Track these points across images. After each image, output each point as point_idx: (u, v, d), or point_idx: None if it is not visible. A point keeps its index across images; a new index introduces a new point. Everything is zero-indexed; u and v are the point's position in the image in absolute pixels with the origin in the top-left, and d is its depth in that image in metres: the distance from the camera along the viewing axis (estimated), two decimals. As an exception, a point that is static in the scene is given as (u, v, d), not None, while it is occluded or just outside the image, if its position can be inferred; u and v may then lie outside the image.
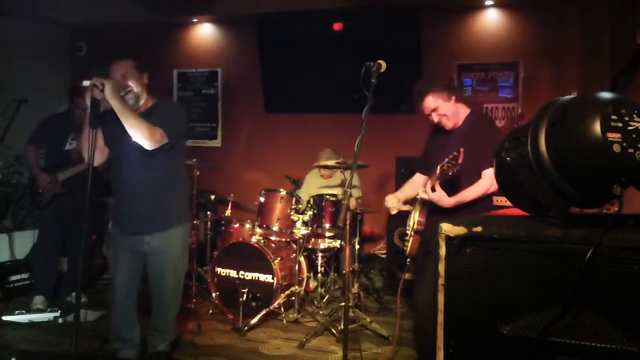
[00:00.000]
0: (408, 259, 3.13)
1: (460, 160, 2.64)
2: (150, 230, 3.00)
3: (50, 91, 6.27)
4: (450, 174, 2.69)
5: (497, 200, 4.34)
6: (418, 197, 3.04)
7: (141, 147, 2.83)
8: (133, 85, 2.90)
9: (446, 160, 2.69)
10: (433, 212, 2.93)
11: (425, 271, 2.75)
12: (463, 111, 3.06)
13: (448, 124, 3.03)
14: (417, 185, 3.25)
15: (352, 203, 2.22)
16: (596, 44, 4.62)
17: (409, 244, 3.03)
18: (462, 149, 2.64)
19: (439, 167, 2.75)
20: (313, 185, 5.14)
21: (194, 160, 4.62)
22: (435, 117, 3.03)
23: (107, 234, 5.12)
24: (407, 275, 4.88)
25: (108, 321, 3.28)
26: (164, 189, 3.00)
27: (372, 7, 5.44)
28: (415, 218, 3.01)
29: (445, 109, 3.00)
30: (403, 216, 3.32)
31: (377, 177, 5.59)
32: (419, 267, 3.03)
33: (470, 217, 1.70)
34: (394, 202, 3.25)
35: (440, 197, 2.82)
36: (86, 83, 2.66)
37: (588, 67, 4.82)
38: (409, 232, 3.09)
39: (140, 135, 2.76)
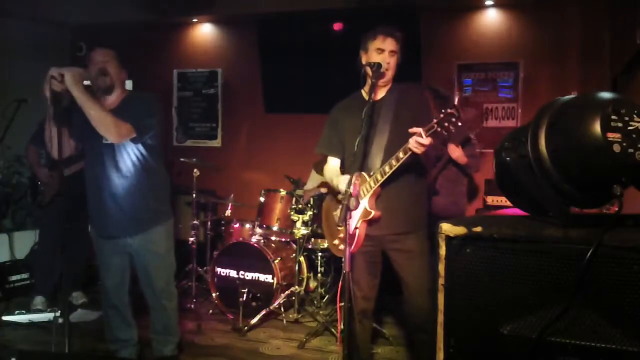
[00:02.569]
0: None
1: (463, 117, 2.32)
2: (129, 232, 2.89)
3: (50, 91, 6.25)
4: (445, 133, 2.33)
5: (497, 201, 4.34)
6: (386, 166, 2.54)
7: (113, 145, 2.76)
8: (111, 72, 2.81)
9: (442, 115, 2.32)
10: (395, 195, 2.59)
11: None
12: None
13: (385, 75, 2.76)
14: (337, 171, 2.84)
15: (352, 203, 2.19)
16: (596, 44, 4.63)
17: (355, 240, 2.56)
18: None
19: (435, 122, 2.36)
20: (316, 180, 5.10)
21: (194, 160, 4.61)
22: (386, 59, 2.74)
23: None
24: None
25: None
26: (139, 187, 2.87)
27: (372, 7, 5.43)
28: (366, 203, 2.60)
29: (395, 61, 2.80)
30: None
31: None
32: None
33: (470, 217, 1.70)
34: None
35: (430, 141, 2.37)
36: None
37: (588, 67, 4.82)
38: (356, 221, 2.59)
39: (103, 128, 2.64)
